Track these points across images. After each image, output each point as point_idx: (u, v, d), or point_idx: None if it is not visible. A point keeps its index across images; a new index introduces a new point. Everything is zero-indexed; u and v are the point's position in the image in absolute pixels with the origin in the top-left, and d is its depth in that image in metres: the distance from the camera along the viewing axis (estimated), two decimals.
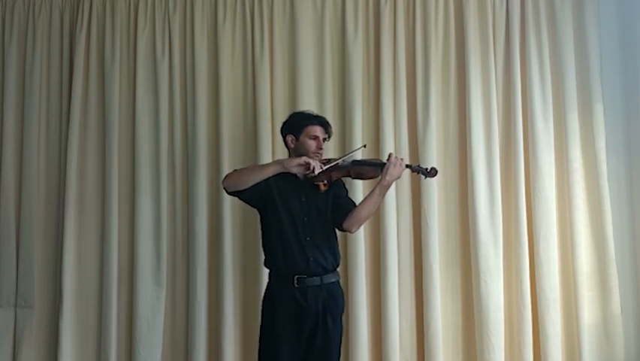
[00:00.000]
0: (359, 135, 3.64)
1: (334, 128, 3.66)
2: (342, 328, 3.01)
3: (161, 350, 3.63)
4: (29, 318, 3.68)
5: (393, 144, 3.64)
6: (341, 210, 3.01)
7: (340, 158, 3.06)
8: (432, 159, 3.61)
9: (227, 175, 2.99)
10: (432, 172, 3.00)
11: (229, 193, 2.98)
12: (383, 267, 3.57)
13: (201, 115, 3.68)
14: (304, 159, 2.91)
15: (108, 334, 3.61)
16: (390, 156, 2.98)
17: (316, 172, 2.89)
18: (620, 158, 3.71)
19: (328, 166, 2.94)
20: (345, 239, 3.61)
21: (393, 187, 3.57)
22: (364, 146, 3.24)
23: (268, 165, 3.00)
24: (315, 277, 2.92)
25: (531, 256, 3.58)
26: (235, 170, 3.05)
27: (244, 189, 2.91)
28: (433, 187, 3.60)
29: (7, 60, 3.80)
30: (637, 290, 3.68)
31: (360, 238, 3.57)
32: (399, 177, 3.00)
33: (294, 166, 2.91)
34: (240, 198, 3.00)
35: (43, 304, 3.71)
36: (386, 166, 2.94)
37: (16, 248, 3.70)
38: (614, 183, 3.66)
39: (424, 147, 3.62)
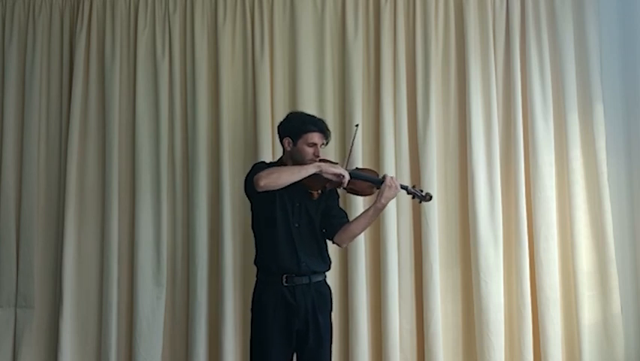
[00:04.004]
0: (359, 135, 3.63)
1: (334, 128, 3.68)
2: (331, 325, 3.01)
3: (161, 350, 3.63)
4: (29, 318, 3.68)
5: (394, 144, 3.64)
6: (333, 222, 3.01)
7: (346, 157, 3.08)
8: (432, 159, 3.61)
9: (262, 175, 2.82)
10: (427, 197, 3.07)
11: (257, 192, 2.84)
12: (383, 267, 3.57)
13: (201, 115, 3.68)
14: (340, 170, 2.91)
15: (108, 334, 3.61)
16: (385, 177, 2.98)
17: (345, 184, 2.91)
18: (620, 158, 3.71)
19: (353, 179, 2.98)
20: None
21: None
22: (357, 125, 3.33)
23: (307, 167, 2.89)
24: (303, 276, 2.93)
25: (531, 256, 3.58)
26: (264, 171, 2.88)
27: (278, 189, 2.85)
28: (433, 187, 3.59)
29: (7, 60, 3.80)
30: (637, 290, 3.68)
31: (360, 238, 3.56)
32: (393, 198, 3.02)
33: (330, 174, 2.90)
34: (256, 197, 2.93)
35: (43, 304, 3.71)
36: (381, 189, 2.96)
37: (16, 248, 3.70)
38: (614, 183, 3.66)
39: (424, 147, 3.62)
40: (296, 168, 2.92)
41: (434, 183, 3.60)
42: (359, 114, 3.65)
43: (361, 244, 3.57)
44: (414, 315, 3.63)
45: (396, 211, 3.61)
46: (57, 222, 3.74)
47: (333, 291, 3.59)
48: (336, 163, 3.06)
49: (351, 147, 3.27)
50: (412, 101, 3.69)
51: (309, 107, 3.65)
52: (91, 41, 3.76)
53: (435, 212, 3.59)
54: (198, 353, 3.57)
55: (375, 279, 3.64)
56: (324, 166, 2.91)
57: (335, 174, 2.90)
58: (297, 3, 3.73)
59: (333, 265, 3.60)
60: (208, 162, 3.68)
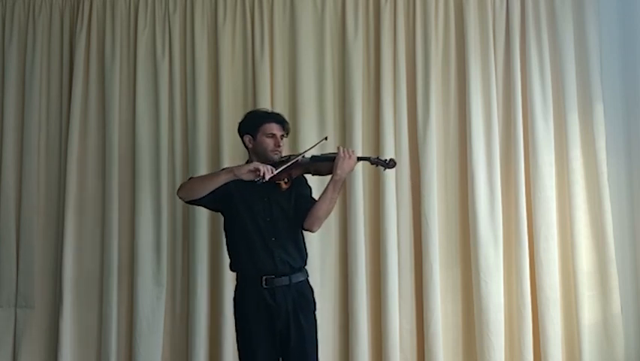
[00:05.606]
0: (359, 135, 3.64)
1: (334, 128, 3.69)
2: (316, 324, 2.96)
3: (161, 350, 3.63)
4: (29, 318, 3.68)
5: (394, 144, 3.64)
6: (302, 210, 2.96)
7: (299, 154, 2.98)
8: (432, 159, 3.61)
9: (181, 185, 2.99)
10: (390, 163, 2.92)
11: (186, 202, 2.96)
12: (383, 267, 3.57)
13: (201, 115, 3.68)
14: (254, 165, 2.83)
15: (108, 334, 3.61)
16: (339, 149, 2.92)
17: (266, 178, 2.78)
18: (620, 158, 3.71)
19: (280, 170, 2.85)
20: (346, 239, 3.63)
21: (393, 186, 3.59)
22: (325, 138, 3.14)
23: (219, 173, 2.90)
24: (283, 277, 2.89)
25: (531, 256, 3.58)
26: (191, 178, 3.04)
27: (200, 198, 2.88)
28: (433, 187, 3.60)
29: (7, 60, 3.80)
30: (637, 290, 3.68)
31: (360, 238, 3.58)
32: (351, 171, 2.95)
33: (244, 173, 2.82)
34: (199, 205, 2.99)
35: (43, 304, 3.71)
36: (335, 161, 2.88)
37: (16, 248, 3.71)
38: (614, 183, 3.66)
39: (424, 147, 3.62)
40: (210, 176, 2.95)
41: (434, 183, 3.60)
42: (359, 114, 3.65)
43: (361, 243, 3.58)
44: (414, 315, 3.63)
45: (396, 211, 3.61)
46: (57, 222, 3.74)
47: (332, 291, 3.63)
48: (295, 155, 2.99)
49: (311, 147, 3.06)
50: (412, 101, 3.69)
51: (309, 107, 3.66)
52: (91, 41, 3.76)
53: (435, 212, 3.59)
54: (198, 353, 3.57)
55: (375, 279, 3.63)
56: (237, 170, 2.84)
57: (250, 171, 2.81)
58: (297, 3, 3.73)
59: (332, 266, 3.64)
60: (208, 163, 3.68)
